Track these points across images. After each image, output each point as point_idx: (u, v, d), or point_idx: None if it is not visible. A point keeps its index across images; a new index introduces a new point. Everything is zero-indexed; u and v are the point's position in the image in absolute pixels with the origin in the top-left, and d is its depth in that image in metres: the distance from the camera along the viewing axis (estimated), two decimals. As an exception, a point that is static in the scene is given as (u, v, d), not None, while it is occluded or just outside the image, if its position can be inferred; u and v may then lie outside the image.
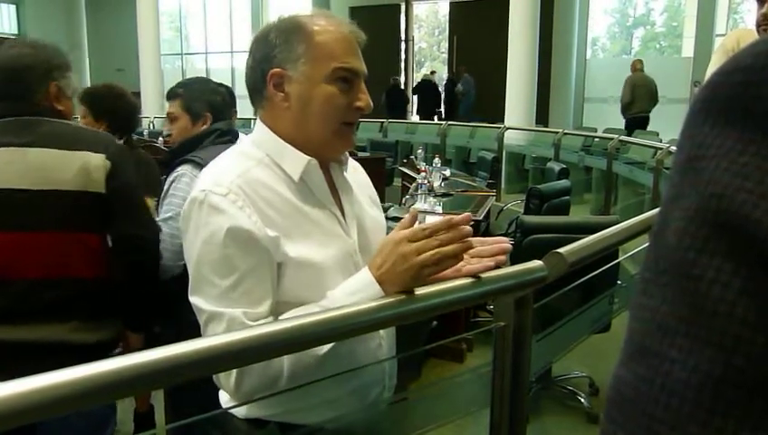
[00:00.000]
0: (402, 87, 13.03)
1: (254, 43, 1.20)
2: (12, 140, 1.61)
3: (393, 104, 12.20)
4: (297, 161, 1.16)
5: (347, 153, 1.25)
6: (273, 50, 1.16)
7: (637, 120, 8.83)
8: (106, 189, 1.65)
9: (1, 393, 0.66)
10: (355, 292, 1.05)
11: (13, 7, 15.21)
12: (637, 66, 9.10)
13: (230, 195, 1.08)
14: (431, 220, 1.09)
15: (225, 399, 1.20)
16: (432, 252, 1.01)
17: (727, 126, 0.34)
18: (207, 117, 2.19)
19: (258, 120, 1.21)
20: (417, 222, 1.06)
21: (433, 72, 13.24)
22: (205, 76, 2.51)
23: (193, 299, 1.11)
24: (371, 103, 1.18)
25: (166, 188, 2.04)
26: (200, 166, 1.89)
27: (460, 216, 1.03)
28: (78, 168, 1.62)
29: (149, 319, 1.92)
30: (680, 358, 0.33)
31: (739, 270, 0.32)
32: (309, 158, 1.16)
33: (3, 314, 1.57)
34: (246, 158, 1.17)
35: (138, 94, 10.88)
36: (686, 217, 0.34)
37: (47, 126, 1.65)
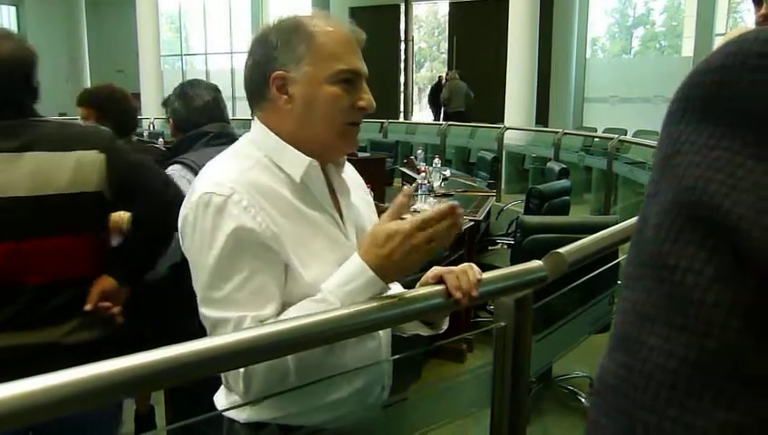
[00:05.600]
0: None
1: (254, 45, 1.18)
2: (1, 146, 1.51)
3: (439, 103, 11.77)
4: (298, 162, 1.15)
5: (345, 155, 1.25)
6: (274, 51, 1.14)
7: (455, 114, 10.91)
8: (108, 181, 1.60)
9: (4, 394, 0.66)
10: (349, 281, 1.05)
11: (13, 9, 15.21)
12: (453, 77, 11.65)
13: (234, 195, 1.07)
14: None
15: (221, 403, 1.19)
16: (438, 240, 1.02)
17: (701, 123, 0.36)
18: (172, 125, 2.20)
19: (256, 121, 1.20)
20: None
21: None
22: (198, 78, 2.46)
23: (200, 309, 1.10)
24: (374, 103, 1.17)
25: None
26: (190, 167, 1.90)
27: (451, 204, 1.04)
28: (72, 168, 1.55)
29: (139, 279, 1.76)
30: (658, 344, 0.34)
31: (711, 258, 0.33)
32: (310, 159, 1.15)
33: (9, 321, 1.53)
34: (245, 158, 1.15)
35: (138, 96, 10.89)
36: (661, 210, 0.36)
37: (37, 128, 1.56)
